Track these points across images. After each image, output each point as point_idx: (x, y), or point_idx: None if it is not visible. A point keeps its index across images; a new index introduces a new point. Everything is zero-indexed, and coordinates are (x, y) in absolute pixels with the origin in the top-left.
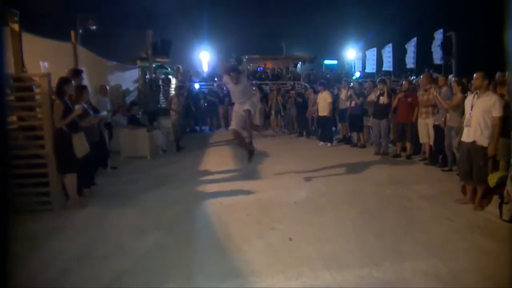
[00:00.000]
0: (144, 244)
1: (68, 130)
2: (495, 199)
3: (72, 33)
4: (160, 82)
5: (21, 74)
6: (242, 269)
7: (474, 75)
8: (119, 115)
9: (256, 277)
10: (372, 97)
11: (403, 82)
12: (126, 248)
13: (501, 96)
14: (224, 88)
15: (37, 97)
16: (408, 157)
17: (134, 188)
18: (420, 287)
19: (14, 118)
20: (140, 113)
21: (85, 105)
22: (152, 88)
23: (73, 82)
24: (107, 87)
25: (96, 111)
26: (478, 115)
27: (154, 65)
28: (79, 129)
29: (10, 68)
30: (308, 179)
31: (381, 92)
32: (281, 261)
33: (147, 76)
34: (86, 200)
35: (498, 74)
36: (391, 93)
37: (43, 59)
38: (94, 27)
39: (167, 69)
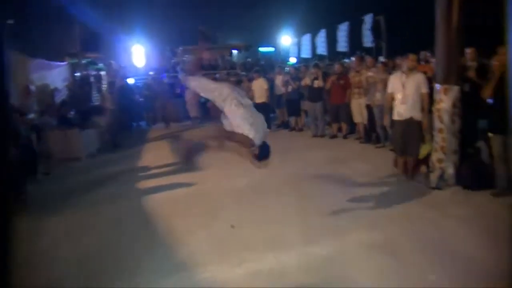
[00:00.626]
0: (85, 247)
1: None
2: (423, 169)
3: None
4: (92, 79)
5: None
6: (187, 261)
7: (409, 56)
8: (47, 116)
9: (200, 267)
10: (306, 81)
11: (336, 65)
12: (67, 253)
13: (424, 73)
14: (165, 80)
15: None
16: (344, 137)
17: (69, 191)
18: (363, 258)
19: None
20: (71, 112)
21: None
22: (83, 85)
23: None
24: (31, 88)
25: (21, 113)
26: (412, 93)
27: (84, 61)
28: None
29: None
30: (248, 166)
31: (316, 76)
32: (224, 249)
33: (77, 73)
34: (16, 209)
35: (423, 54)
36: (325, 76)
37: None
38: (12, 21)
39: (98, 65)
